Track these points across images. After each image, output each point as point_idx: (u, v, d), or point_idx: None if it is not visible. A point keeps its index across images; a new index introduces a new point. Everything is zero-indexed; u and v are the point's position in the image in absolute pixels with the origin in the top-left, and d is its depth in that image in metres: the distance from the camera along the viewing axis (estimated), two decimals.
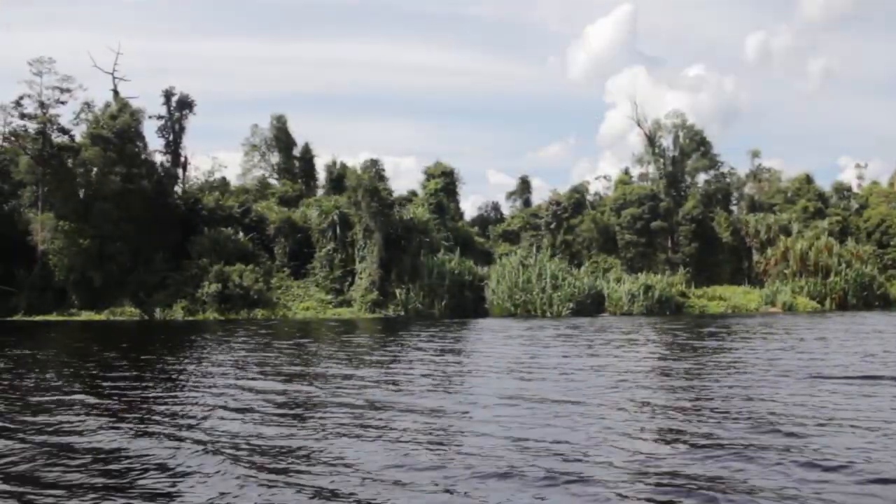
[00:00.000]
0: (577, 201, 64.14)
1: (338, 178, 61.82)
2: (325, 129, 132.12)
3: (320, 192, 61.90)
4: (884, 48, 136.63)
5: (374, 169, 65.94)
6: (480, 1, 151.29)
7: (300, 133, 78.50)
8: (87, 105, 48.35)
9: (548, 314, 44.00)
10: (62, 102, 45.34)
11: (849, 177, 75.43)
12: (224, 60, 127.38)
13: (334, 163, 62.43)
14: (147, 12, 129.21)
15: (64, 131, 44.44)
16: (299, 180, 62.49)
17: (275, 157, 63.90)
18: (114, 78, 52.23)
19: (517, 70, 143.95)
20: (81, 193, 44.36)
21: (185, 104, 54.49)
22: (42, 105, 43.99)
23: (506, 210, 74.65)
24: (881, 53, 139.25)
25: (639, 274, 50.74)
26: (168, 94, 53.90)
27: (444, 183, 60.62)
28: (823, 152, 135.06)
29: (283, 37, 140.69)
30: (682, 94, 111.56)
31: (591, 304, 45.55)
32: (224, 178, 62.35)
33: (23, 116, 43.98)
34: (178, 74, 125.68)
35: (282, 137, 63.30)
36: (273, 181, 63.32)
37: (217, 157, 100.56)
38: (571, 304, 44.38)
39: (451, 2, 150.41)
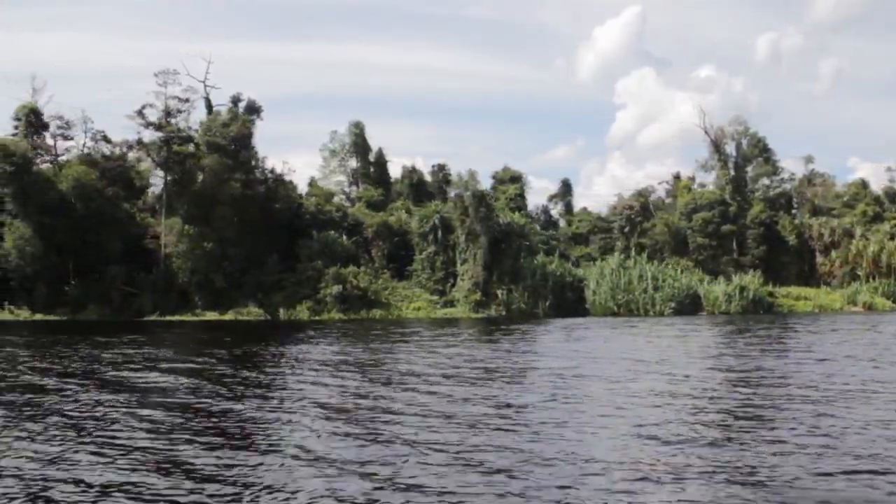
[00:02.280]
0: (643, 205, 66.61)
1: (417, 184, 64.15)
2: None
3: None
4: (893, 49, 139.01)
5: (442, 173, 68.58)
6: (487, 3, 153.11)
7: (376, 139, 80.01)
8: (167, 113, 50.07)
9: (650, 313, 46.20)
10: (180, 111, 47.23)
11: (860, 177, 77.44)
12: (219, 61, 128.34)
13: (413, 169, 64.86)
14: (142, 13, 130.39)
15: (188, 139, 46.23)
16: (377, 185, 64.45)
17: (353, 163, 65.87)
18: (205, 86, 54.13)
19: (524, 72, 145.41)
20: (203, 199, 46.19)
21: (253, 109, 55.54)
22: (168, 114, 45.81)
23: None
24: (891, 54, 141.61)
25: (715, 276, 53.12)
26: (235, 100, 55.01)
27: (520, 189, 63.18)
28: (832, 153, 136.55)
29: (281, 38, 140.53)
30: (692, 95, 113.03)
31: (689, 304, 47.76)
32: (291, 182, 64.26)
33: (147, 125, 45.74)
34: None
35: (359, 143, 65.26)
36: (352, 186, 65.43)
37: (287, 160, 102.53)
38: (672, 304, 46.60)
39: (457, 3, 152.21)
